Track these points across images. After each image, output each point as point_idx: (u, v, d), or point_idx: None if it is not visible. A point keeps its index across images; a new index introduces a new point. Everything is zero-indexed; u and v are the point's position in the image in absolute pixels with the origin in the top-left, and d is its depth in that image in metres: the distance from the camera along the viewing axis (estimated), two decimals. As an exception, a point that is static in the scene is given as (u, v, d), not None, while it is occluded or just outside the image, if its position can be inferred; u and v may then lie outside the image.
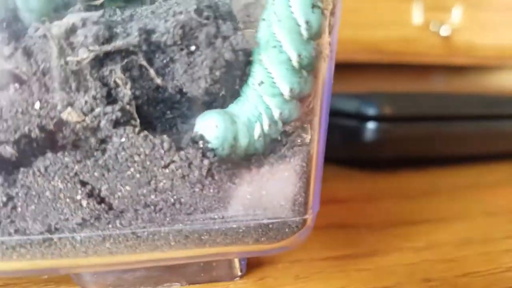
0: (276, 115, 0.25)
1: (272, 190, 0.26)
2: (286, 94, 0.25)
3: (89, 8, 0.24)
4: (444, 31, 0.83)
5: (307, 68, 0.25)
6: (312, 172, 0.27)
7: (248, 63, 0.25)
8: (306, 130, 0.26)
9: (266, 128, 0.25)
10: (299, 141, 0.26)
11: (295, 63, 0.24)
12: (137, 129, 0.24)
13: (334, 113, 0.59)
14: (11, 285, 0.27)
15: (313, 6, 0.24)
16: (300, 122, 0.26)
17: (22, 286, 0.27)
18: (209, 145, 0.24)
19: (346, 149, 0.61)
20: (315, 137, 0.26)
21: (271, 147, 0.26)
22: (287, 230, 0.27)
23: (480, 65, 0.88)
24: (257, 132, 0.25)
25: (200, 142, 0.24)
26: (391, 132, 0.58)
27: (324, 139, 0.27)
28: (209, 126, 0.24)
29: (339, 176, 0.58)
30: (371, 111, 0.57)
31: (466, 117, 0.62)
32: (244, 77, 0.25)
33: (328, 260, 0.34)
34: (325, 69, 0.25)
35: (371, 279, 0.31)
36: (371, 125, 0.56)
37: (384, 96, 0.60)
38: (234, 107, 0.25)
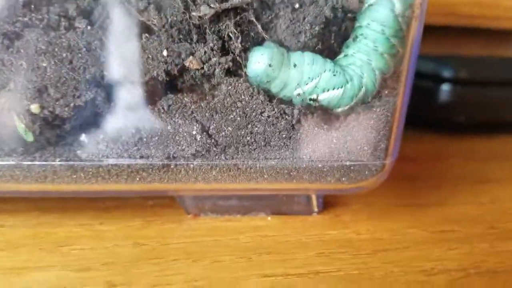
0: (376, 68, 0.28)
1: (357, 136, 0.29)
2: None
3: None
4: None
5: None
6: (395, 122, 0.30)
7: (345, 20, 0.28)
8: (394, 83, 0.29)
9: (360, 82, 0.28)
10: (386, 92, 0.29)
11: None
12: (241, 79, 0.27)
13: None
14: (126, 201, 0.33)
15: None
16: (389, 76, 0.28)
17: (132, 208, 0.32)
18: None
19: (421, 110, 0.62)
20: (400, 90, 0.29)
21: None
22: (367, 172, 0.30)
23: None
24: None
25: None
26: (465, 95, 0.58)
27: (408, 93, 0.30)
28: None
29: (411, 137, 0.60)
30: (446, 73, 0.57)
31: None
32: (340, 33, 0.28)
33: (399, 206, 0.37)
34: (415, 29, 0.28)
35: (436, 223, 0.34)
36: (446, 87, 0.57)
37: (460, 59, 0.60)
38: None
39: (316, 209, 0.34)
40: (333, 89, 0.27)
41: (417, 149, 0.55)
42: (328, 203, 0.35)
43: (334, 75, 0.27)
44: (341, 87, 0.27)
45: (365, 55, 0.28)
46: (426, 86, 0.59)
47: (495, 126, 0.62)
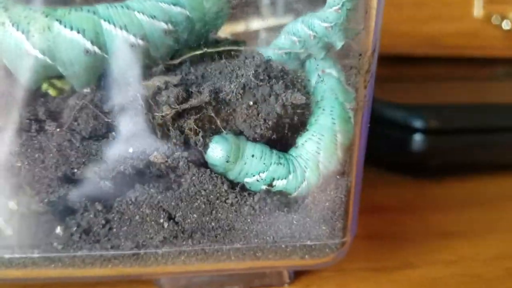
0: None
1: (315, 217, 0.31)
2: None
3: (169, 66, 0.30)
4: (506, 25, 0.83)
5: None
6: (350, 202, 0.32)
7: (295, 114, 0.30)
8: (346, 167, 0.31)
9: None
10: (338, 176, 0.31)
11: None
12: (205, 170, 0.29)
13: (384, 123, 0.62)
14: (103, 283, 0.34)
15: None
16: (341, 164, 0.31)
17: (111, 284, 0.34)
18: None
19: (395, 157, 0.64)
20: (353, 173, 0.31)
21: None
22: (327, 250, 0.32)
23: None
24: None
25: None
26: (437, 143, 0.60)
27: (361, 174, 0.32)
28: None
29: (386, 182, 0.61)
30: (418, 123, 0.59)
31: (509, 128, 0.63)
32: (293, 124, 0.30)
33: (366, 270, 0.38)
34: (361, 120, 0.30)
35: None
36: (417, 137, 0.59)
37: (430, 108, 0.62)
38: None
39: (287, 280, 0.36)
40: (279, 179, 0.30)
41: (391, 196, 0.56)
42: (300, 271, 0.37)
43: (280, 165, 0.29)
44: (285, 178, 0.30)
45: (314, 146, 0.30)
46: (398, 136, 0.61)
47: (470, 169, 0.64)
